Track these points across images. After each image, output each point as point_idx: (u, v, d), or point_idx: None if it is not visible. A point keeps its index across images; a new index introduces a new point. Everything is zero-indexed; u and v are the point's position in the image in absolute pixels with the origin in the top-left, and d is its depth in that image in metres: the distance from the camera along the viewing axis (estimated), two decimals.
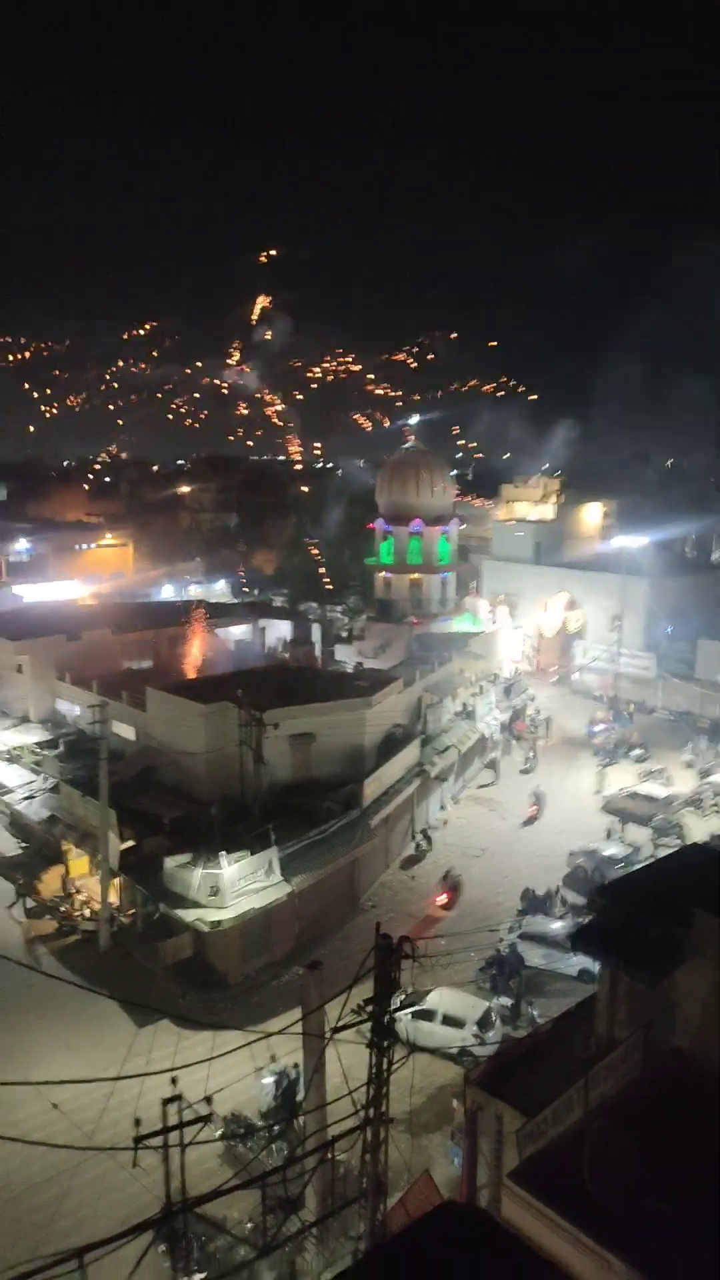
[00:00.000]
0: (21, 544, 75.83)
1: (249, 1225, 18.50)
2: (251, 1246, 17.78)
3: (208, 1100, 13.98)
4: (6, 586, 67.90)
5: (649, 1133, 11.94)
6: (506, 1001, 26.45)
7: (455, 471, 69.96)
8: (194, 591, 70.65)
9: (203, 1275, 17.14)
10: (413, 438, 64.52)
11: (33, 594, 63.63)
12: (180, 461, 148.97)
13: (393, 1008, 14.67)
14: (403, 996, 15.60)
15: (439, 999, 25.30)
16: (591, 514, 72.24)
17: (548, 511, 72.72)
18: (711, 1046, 13.48)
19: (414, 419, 66.64)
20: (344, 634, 61.74)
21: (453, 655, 49.46)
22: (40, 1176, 20.14)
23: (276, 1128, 20.68)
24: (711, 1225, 10.70)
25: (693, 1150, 11.95)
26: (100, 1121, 20.02)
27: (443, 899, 32.89)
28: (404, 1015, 23.77)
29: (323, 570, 68.34)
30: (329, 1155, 17.16)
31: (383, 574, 63.06)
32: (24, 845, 36.31)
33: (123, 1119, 17.40)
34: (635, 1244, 10.36)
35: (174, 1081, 13.58)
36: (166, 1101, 13.36)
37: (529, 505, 75.02)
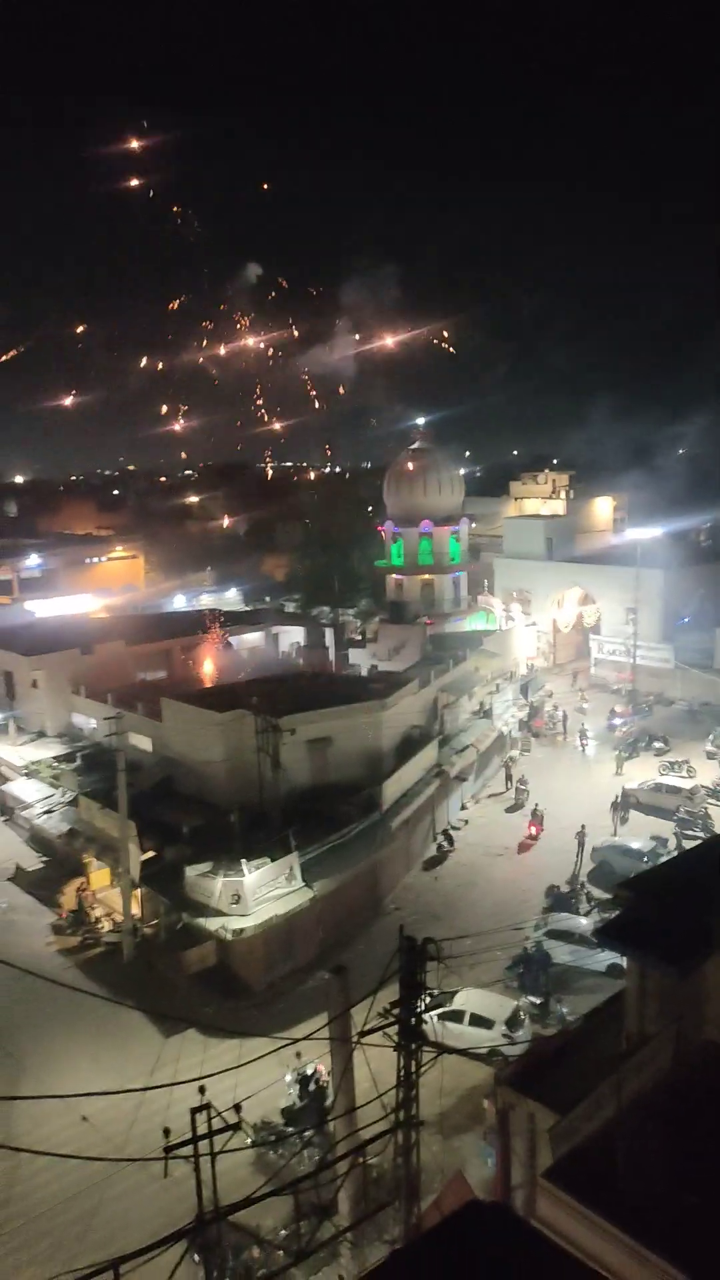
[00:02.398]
0: (33, 559, 76.11)
1: (283, 1233, 18.40)
2: (286, 1253, 17.69)
3: (236, 1108, 13.89)
4: (19, 602, 68.14)
5: (682, 1127, 11.77)
6: (535, 1000, 26.27)
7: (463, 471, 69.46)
8: (206, 601, 70.69)
9: None
10: (420, 438, 64.05)
11: (45, 609, 63.77)
12: (188, 471, 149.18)
13: (420, 1009, 14.53)
14: (429, 998, 15.47)
15: (466, 999, 25.13)
16: (602, 507, 71.87)
17: (558, 506, 72.44)
18: None
19: (421, 420, 65.91)
20: (357, 637, 61.60)
21: (468, 654, 49.28)
22: (73, 1189, 20.10)
23: (307, 1133, 20.56)
24: None
25: None
26: (130, 1133, 19.99)
27: (532, 831, 37.52)
28: (431, 1017, 23.62)
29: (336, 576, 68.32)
30: (361, 1160, 17.03)
31: (394, 576, 62.89)
32: (45, 859, 36.39)
33: (152, 1130, 17.30)
34: (671, 1240, 10.19)
35: (202, 1090, 13.48)
36: (195, 1111, 13.27)
37: (539, 501, 74.77)
